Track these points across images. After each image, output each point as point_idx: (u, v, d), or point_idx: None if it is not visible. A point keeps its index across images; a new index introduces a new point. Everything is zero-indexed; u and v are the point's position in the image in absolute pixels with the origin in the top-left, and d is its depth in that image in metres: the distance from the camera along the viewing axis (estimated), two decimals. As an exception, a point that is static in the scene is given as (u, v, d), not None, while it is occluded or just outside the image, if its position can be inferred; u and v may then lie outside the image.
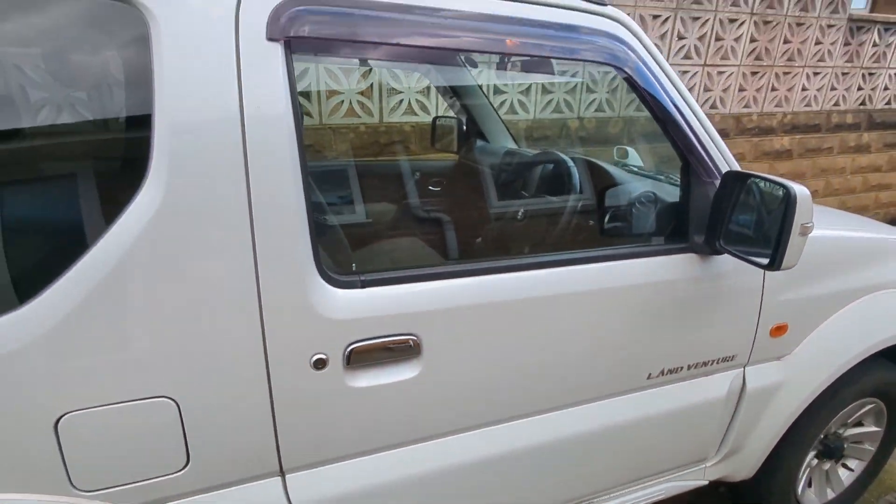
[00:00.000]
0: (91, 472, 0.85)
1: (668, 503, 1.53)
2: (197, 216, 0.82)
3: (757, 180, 1.09)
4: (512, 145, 2.38)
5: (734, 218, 1.13)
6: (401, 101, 2.83)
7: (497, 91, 2.97)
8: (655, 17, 3.22)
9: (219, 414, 0.91)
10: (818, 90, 4.02)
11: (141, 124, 0.79)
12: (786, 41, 3.70)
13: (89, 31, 0.79)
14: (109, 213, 0.79)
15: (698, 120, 1.16)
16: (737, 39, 3.52)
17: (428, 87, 2.85)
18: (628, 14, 3.13)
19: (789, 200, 1.00)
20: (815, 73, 3.95)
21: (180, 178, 0.80)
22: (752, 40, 3.58)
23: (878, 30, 4.06)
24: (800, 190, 1.00)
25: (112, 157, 0.85)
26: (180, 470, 0.91)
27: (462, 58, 1.88)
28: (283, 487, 1.00)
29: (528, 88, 3.01)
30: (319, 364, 0.94)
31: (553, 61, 1.17)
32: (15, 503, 0.81)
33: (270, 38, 0.84)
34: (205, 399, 0.89)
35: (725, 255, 1.20)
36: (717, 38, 3.46)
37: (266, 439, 0.95)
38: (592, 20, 1.07)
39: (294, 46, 0.87)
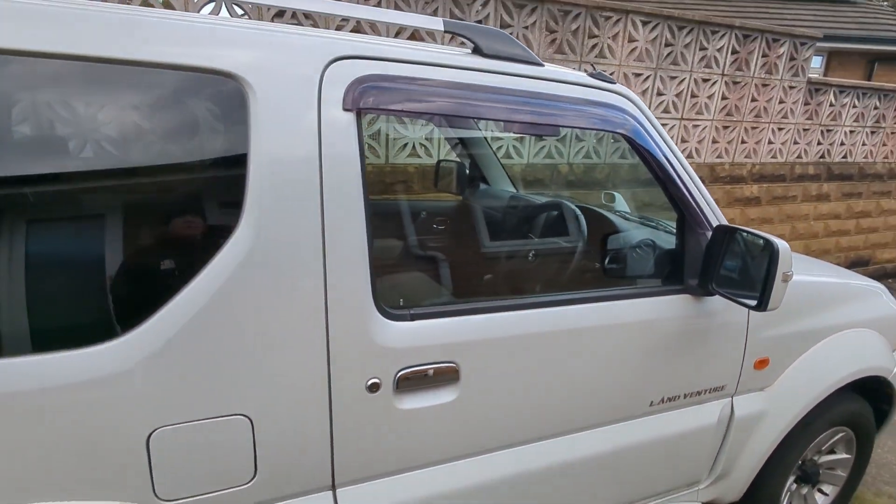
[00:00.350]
0: (173, 483, 0.95)
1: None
2: (279, 257, 0.95)
3: (744, 234, 1.28)
4: (511, 189, 2.58)
5: (724, 265, 1.32)
6: (405, 144, 3.02)
7: (494, 137, 3.19)
8: (637, 75, 3.52)
9: (285, 431, 1.01)
10: (782, 144, 4.39)
11: (239, 175, 0.93)
12: (753, 99, 4.07)
13: (202, 99, 0.94)
14: (210, 250, 0.92)
15: (693, 182, 1.36)
16: (710, 97, 3.86)
17: (431, 132, 3.05)
18: (613, 71, 3.43)
19: (773, 252, 1.19)
20: (780, 129, 4.32)
21: (267, 220, 0.93)
22: (724, 98, 3.93)
23: (834, 92, 4.49)
24: (782, 244, 1.19)
25: (216, 206, 0.98)
26: (247, 483, 1.01)
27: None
28: (334, 501, 1.10)
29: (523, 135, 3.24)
30: (373, 388, 1.06)
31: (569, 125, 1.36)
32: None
33: (346, 109, 1.00)
34: (274, 417, 1.00)
35: (715, 297, 1.39)
36: (693, 95, 3.79)
37: (323, 456, 1.06)
38: (605, 96, 1.27)
39: (363, 113, 1.03)
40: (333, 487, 1.10)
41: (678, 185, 1.34)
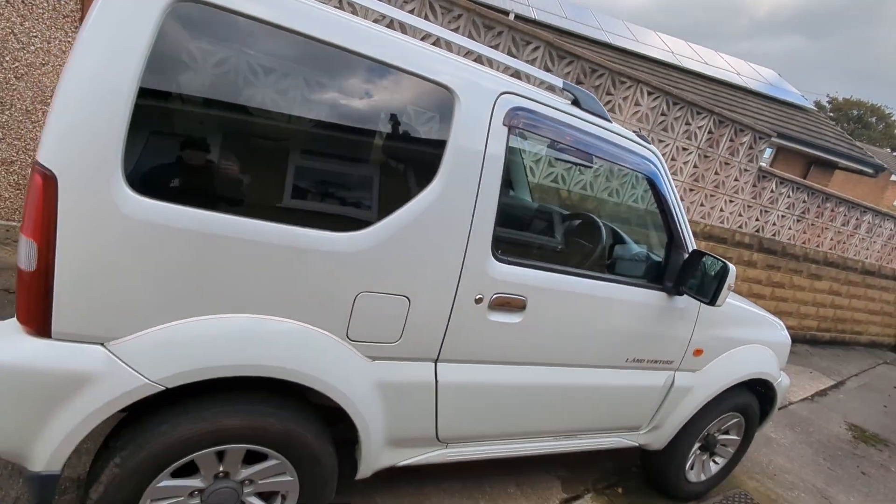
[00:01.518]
0: (357, 330, 1.50)
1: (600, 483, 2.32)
2: (451, 206, 1.54)
3: (709, 257, 1.99)
4: (529, 199, 3.23)
5: (694, 275, 2.01)
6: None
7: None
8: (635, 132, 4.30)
9: (424, 314, 1.59)
10: (730, 213, 5.33)
11: (441, 149, 1.51)
12: (716, 173, 4.97)
13: (427, 100, 1.52)
14: (415, 191, 1.49)
15: (683, 219, 2.05)
16: (685, 163, 4.71)
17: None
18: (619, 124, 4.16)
19: (726, 269, 1.89)
20: (731, 201, 5.25)
21: (450, 182, 1.52)
22: (695, 166, 4.79)
23: (776, 181, 5.50)
24: (732, 266, 1.90)
25: (424, 164, 1.55)
26: (393, 342, 1.57)
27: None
28: (434, 369, 1.68)
29: (540, 159, 3.92)
30: (478, 301, 1.66)
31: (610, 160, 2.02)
32: (320, 335, 1.44)
33: (503, 125, 1.61)
34: (422, 302, 1.57)
35: (681, 297, 2.08)
36: (672, 159, 4.62)
37: (438, 337, 1.64)
38: (644, 151, 1.95)
39: (511, 130, 1.64)
40: (436, 361, 1.68)
41: (675, 220, 2.04)
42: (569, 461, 2.69)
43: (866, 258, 7.02)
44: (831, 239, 6.43)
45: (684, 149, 4.62)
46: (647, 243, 2.42)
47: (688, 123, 4.51)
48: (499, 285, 1.69)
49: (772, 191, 5.51)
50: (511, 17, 6.92)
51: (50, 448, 1.22)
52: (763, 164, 5.35)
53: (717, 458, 2.75)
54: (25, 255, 1.14)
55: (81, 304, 1.18)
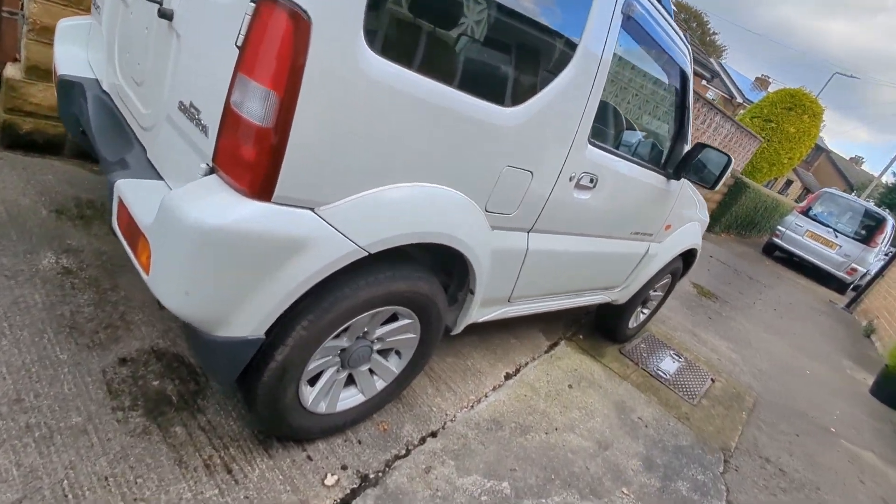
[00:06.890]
0: (494, 202, 1.60)
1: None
2: (577, 88, 1.64)
3: (712, 149, 2.40)
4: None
5: (695, 164, 2.42)
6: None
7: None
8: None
9: (537, 187, 1.73)
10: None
11: (572, 50, 1.56)
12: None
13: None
14: (553, 76, 1.55)
15: (691, 117, 2.40)
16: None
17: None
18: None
19: (730, 161, 2.33)
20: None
21: (579, 67, 1.61)
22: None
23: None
24: (732, 158, 2.34)
25: (562, 59, 1.57)
26: (510, 213, 1.71)
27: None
28: (527, 237, 1.87)
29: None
30: (571, 178, 1.84)
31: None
32: (474, 207, 1.52)
33: (622, 12, 1.69)
34: (539, 178, 1.70)
35: (671, 181, 2.50)
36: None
37: (538, 209, 1.81)
38: (685, 47, 2.18)
39: (625, 18, 1.73)
40: (529, 231, 1.87)
41: (687, 114, 2.37)
42: (544, 320, 3.19)
43: (706, 154, 8.56)
44: (692, 132, 7.66)
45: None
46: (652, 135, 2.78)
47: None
48: (586, 165, 1.88)
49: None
50: None
51: (260, 314, 1.18)
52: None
53: (645, 310, 3.51)
54: (260, 106, 1.00)
55: (308, 166, 1.10)
